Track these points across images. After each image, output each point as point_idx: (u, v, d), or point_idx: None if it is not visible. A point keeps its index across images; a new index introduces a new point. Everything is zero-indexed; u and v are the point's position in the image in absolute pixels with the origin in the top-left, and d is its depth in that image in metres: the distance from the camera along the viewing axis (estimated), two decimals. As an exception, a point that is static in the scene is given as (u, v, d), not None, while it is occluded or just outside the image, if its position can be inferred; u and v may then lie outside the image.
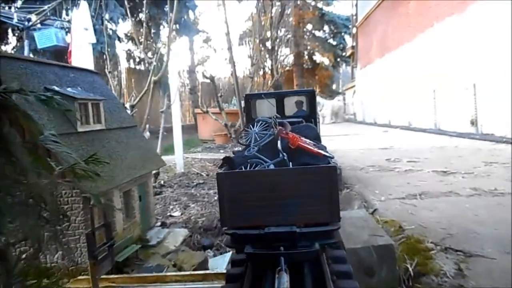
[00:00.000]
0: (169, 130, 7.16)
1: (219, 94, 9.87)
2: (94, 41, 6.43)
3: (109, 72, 5.74)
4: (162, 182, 5.57)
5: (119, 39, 16.96)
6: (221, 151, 9.55)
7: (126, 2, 5.79)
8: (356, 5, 24.11)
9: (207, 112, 10.47)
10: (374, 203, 2.96)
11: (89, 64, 6.22)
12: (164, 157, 7.93)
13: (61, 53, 9.30)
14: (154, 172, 5.54)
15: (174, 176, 6.33)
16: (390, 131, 12.67)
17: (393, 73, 15.29)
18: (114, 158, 2.85)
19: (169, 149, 7.42)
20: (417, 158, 5.60)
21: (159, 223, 4.01)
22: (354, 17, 26.39)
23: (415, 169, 4.61)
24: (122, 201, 2.91)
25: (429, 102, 11.60)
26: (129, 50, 18.52)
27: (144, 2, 5.32)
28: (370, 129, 14.08)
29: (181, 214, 4.39)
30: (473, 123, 9.76)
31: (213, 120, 10.32)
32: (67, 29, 9.21)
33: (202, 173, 6.35)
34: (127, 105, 5.91)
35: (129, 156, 3.05)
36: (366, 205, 3.01)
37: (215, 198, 4.78)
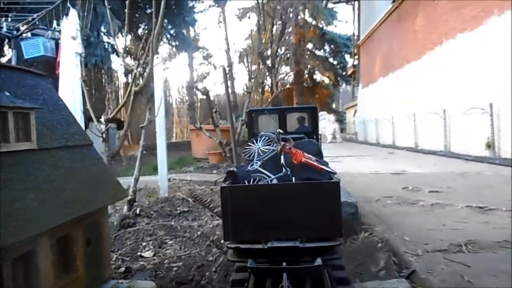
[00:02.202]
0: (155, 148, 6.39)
1: (214, 110, 9.11)
2: (82, 51, 6.06)
3: (84, 80, 4.98)
4: (138, 210, 4.70)
5: (117, 53, 16.47)
6: (214, 171, 8.73)
7: (110, 20, 5.18)
8: (359, 25, 23.84)
9: (200, 128, 9.68)
10: (409, 260, 2.11)
11: (76, 75, 5.77)
12: (150, 178, 7.17)
13: (50, 63, 8.91)
14: (128, 198, 4.69)
15: (155, 202, 5.46)
16: (396, 152, 11.87)
17: (399, 93, 14.63)
18: (44, 191, 2.01)
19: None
20: (439, 187, 4.77)
21: (123, 269, 3.14)
22: (356, 37, 26.21)
23: (443, 202, 3.77)
24: (54, 252, 2.06)
25: (439, 123, 10.87)
26: (127, 64, 18.02)
27: (127, 3, 4.60)
28: (374, 150, 13.26)
29: (154, 255, 3.50)
30: (490, 146, 8.98)
31: (207, 138, 9.53)
32: (58, 39, 8.85)
33: (189, 199, 5.49)
34: (103, 119, 5.09)
35: (70, 186, 2.20)
36: (397, 261, 2.17)
37: (198, 233, 3.93)
